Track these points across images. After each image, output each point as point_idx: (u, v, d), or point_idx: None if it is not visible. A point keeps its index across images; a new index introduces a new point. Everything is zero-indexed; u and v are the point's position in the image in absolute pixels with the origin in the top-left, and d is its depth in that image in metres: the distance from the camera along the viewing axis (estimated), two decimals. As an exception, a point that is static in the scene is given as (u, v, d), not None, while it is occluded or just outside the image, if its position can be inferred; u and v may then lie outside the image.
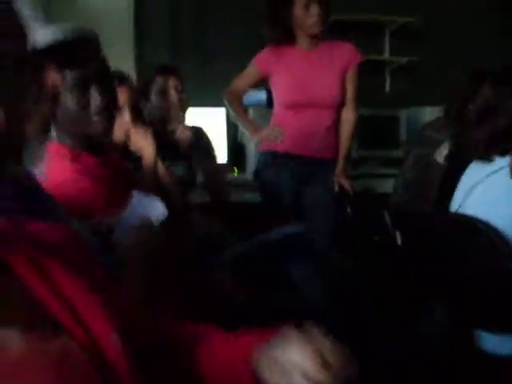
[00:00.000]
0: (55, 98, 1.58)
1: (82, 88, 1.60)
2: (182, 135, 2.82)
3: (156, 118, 2.82)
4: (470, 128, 2.02)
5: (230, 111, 3.41)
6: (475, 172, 2.02)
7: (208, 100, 3.98)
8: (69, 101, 1.60)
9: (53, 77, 1.55)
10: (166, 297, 1.43)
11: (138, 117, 2.44)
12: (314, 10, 3.14)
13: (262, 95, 4.32)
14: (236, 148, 4.45)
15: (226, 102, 3.37)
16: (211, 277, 1.87)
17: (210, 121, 4.09)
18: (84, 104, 1.61)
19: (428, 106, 4.57)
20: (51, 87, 1.56)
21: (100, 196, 1.60)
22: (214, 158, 3.33)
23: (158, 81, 2.87)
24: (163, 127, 2.83)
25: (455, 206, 2.07)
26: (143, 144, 2.30)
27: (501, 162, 1.92)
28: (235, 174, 4.35)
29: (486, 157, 1.95)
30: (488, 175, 1.94)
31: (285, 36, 3.21)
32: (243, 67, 3.37)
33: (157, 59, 4.35)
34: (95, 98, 1.60)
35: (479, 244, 1.85)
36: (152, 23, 4.54)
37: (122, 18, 4.35)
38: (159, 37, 4.56)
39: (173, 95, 2.83)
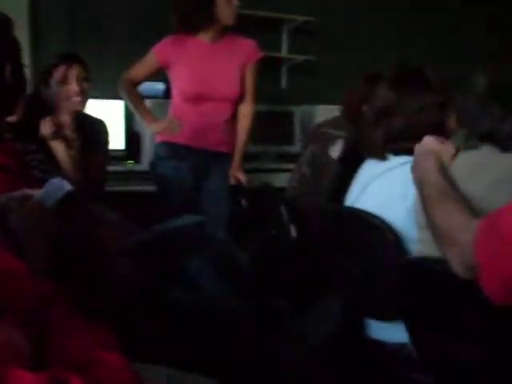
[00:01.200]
0: None
1: None
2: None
3: (53, 106, 2.76)
4: (366, 127, 2.09)
5: (127, 100, 3.37)
6: (370, 169, 2.10)
7: (105, 92, 3.91)
8: None
9: None
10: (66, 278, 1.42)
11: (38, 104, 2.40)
12: (235, 0, 3.17)
13: (159, 86, 4.30)
14: (132, 137, 4.40)
15: (123, 91, 3.31)
16: (112, 264, 1.86)
17: (108, 111, 4.03)
18: None
19: (322, 105, 4.70)
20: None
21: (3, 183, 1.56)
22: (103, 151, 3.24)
23: (60, 68, 2.80)
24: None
25: (350, 201, 2.14)
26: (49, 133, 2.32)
27: (396, 159, 2.00)
28: (131, 164, 4.31)
29: (382, 155, 2.03)
30: (383, 172, 2.02)
31: (196, 23, 3.19)
32: (141, 56, 3.33)
33: (53, 48, 4.24)
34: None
35: (372, 237, 1.93)
36: (48, 11, 4.39)
37: (16, 4, 4.18)
38: (56, 26, 4.42)
39: (73, 84, 2.77)
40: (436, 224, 1.46)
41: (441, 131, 1.93)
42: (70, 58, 2.87)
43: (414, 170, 1.67)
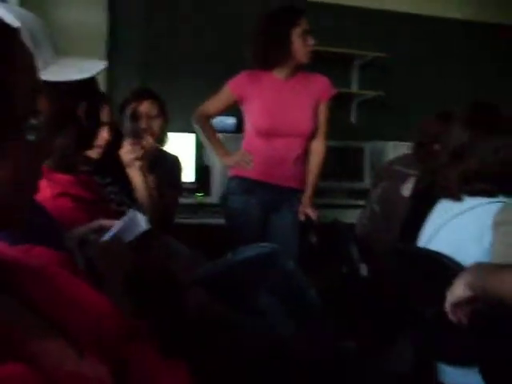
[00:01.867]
0: None
1: None
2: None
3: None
4: (440, 167, 2.06)
5: (200, 134, 3.42)
6: (444, 210, 2.07)
7: (178, 125, 4.00)
8: None
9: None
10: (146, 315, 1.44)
11: (118, 135, 2.46)
12: (310, 39, 3.20)
13: (230, 120, 4.37)
14: (202, 170, 4.47)
15: (196, 125, 3.36)
16: (186, 296, 1.88)
17: (179, 144, 4.12)
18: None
19: (392, 141, 4.68)
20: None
21: (77, 212, 1.61)
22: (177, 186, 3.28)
23: (131, 105, 2.86)
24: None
25: (423, 242, 2.11)
26: (130, 159, 2.36)
27: (470, 201, 1.97)
28: (200, 196, 4.37)
29: (457, 196, 2.00)
30: (457, 214, 1.98)
31: (272, 60, 3.22)
32: (212, 91, 3.38)
33: (127, 79, 4.37)
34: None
35: (445, 280, 1.89)
36: (124, 41, 4.55)
37: (95, 34, 4.34)
38: (129, 62, 4.57)
39: (142, 121, 2.83)
40: None
41: None
42: (140, 94, 2.93)
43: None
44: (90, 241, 1.47)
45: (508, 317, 1.50)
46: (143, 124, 2.87)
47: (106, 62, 1.54)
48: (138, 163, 2.38)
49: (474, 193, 1.95)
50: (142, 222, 1.54)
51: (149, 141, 2.63)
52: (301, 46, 3.18)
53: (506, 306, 1.40)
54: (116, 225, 1.51)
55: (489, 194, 1.93)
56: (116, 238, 1.47)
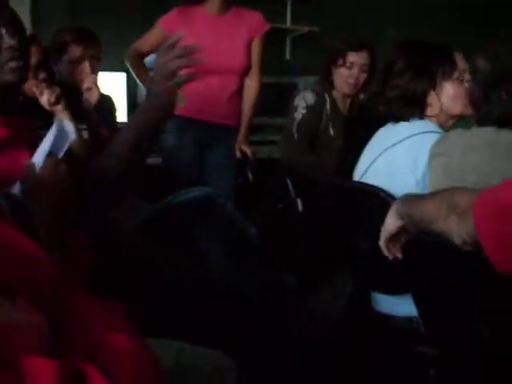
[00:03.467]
0: None
1: None
2: (91, 97, 2.73)
3: (66, 81, 2.74)
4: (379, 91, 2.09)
5: (133, 72, 3.35)
6: (380, 141, 2.09)
7: (108, 64, 3.88)
8: None
9: None
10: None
11: (51, 76, 2.39)
12: None
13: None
14: (136, 110, 4.38)
15: (128, 63, 3.30)
16: (121, 239, 1.86)
17: (110, 84, 4.00)
18: None
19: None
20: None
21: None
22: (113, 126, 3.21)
23: (76, 49, 2.76)
24: (73, 91, 2.74)
25: (359, 173, 2.13)
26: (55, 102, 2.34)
27: (403, 132, 1.99)
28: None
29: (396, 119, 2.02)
30: (393, 144, 2.01)
31: None
32: (145, 30, 3.31)
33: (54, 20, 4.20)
34: (7, 41, 1.51)
35: (380, 212, 1.92)
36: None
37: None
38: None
39: (86, 66, 2.74)
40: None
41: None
42: (87, 37, 2.82)
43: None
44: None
45: (435, 244, 1.53)
46: (87, 67, 2.77)
47: None
48: (59, 107, 2.34)
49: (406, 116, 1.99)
50: (70, 129, 1.48)
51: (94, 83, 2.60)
52: None
53: (430, 233, 1.43)
54: (46, 139, 1.43)
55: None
56: (48, 161, 1.40)
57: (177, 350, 1.48)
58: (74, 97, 2.67)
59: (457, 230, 1.25)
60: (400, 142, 2.00)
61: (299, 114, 3.10)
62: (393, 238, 1.57)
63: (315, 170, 3.03)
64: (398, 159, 1.99)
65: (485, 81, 1.69)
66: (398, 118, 2.06)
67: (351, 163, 2.28)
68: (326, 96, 3.20)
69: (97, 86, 2.72)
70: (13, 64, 1.54)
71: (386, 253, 1.57)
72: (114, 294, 1.09)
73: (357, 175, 2.15)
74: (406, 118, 2.04)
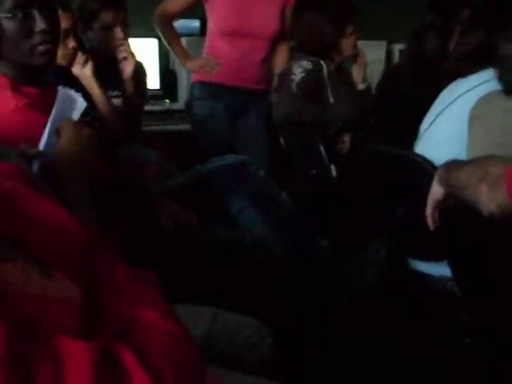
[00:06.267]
0: None
1: (24, 12, 1.51)
2: (127, 67, 2.73)
3: (98, 49, 2.73)
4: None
5: (162, 36, 3.28)
6: (444, 95, 2.00)
7: (139, 30, 3.84)
8: (11, 26, 1.52)
9: None
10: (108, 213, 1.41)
11: (79, 44, 2.39)
12: None
13: (194, 23, 4.23)
14: (168, 76, 4.37)
15: (157, 26, 3.21)
16: (154, 203, 1.86)
17: (142, 50, 3.98)
18: (27, 30, 1.53)
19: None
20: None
21: (44, 126, 1.55)
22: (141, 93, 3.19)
23: (107, 15, 2.73)
24: (104, 58, 2.74)
25: (423, 128, 2.05)
26: (84, 70, 2.35)
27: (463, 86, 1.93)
28: (167, 103, 4.30)
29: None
30: (453, 100, 1.92)
31: None
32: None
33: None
34: (39, 24, 1.52)
35: (418, 179, 1.89)
36: None
37: None
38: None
39: (118, 31, 2.72)
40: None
41: None
42: (116, 3, 2.80)
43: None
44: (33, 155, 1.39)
45: (473, 213, 1.51)
46: (120, 33, 2.75)
47: None
48: (87, 71, 2.35)
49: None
50: (76, 98, 1.47)
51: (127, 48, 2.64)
52: None
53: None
54: (53, 110, 1.43)
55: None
56: (66, 123, 1.39)
57: (212, 316, 1.49)
58: (106, 64, 2.66)
59: (486, 198, 1.21)
60: (457, 98, 1.91)
61: (298, 76, 3.02)
62: (439, 206, 1.52)
63: (324, 115, 2.98)
64: (453, 120, 1.91)
65: None
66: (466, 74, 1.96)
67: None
68: (322, 63, 3.10)
69: (132, 54, 2.71)
70: (43, 48, 1.55)
71: (430, 222, 1.52)
72: (148, 261, 1.09)
73: (423, 127, 2.06)
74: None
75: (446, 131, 1.88)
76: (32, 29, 1.52)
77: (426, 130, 2.02)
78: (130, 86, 2.72)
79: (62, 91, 1.46)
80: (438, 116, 1.96)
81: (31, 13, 1.51)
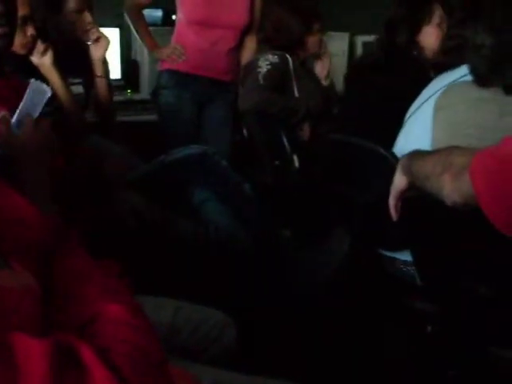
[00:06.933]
0: None
1: None
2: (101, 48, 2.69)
3: (67, 35, 2.68)
4: None
5: (132, 24, 3.30)
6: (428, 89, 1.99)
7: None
8: None
9: None
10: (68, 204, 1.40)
11: (39, 32, 2.34)
12: None
13: (157, 13, 4.19)
14: (130, 66, 4.32)
15: (128, 15, 3.27)
16: (117, 195, 1.85)
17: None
18: None
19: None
20: None
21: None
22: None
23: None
24: (73, 42, 2.70)
25: (408, 114, 2.05)
26: (44, 59, 2.30)
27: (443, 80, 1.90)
28: (129, 93, 4.25)
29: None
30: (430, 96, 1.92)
31: None
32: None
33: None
34: None
35: (380, 168, 1.90)
36: None
37: None
38: None
39: (87, 15, 2.67)
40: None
41: None
42: None
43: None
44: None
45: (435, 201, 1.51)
46: (88, 16, 2.70)
47: None
48: (47, 60, 2.30)
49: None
50: (45, 90, 1.45)
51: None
52: None
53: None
54: (22, 102, 1.40)
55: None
56: (27, 119, 1.37)
57: (175, 308, 1.48)
58: (73, 50, 2.63)
59: (449, 189, 1.21)
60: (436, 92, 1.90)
61: (264, 68, 3.01)
62: (402, 196, 1.52)
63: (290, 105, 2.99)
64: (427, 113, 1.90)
65: None
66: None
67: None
68: (288, 56, 3.10)
69: (104, 36, 2.68)
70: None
71: (393, 212, 1.52)
72: (111, 252, 1.07)
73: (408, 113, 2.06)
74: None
75: (424, 121, 1.86)
76: None
77: (406, 120, 2.02)
78: (101, 68, 2.69)
79: (35, 84, 1.43)
80: (418, 108, 1.96)
81: None
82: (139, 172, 2.24)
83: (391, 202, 1.48)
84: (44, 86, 1.45)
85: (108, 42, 2.67)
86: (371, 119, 2.25)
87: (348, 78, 2.85)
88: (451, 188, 1.20)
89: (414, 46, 2.46)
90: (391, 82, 2.34)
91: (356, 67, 2.95)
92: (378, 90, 2.36)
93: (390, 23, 2.49)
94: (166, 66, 3.25)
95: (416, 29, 2.46)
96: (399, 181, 1.44)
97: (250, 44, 3.31)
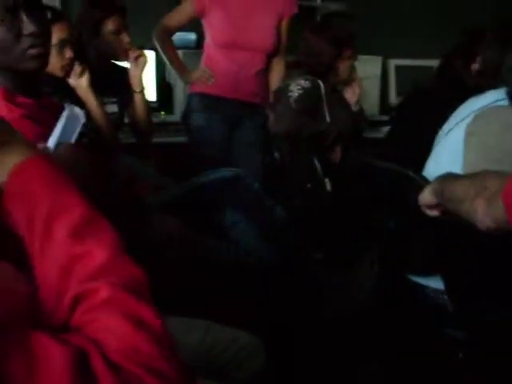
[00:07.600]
0: None
1: (11, 15, 1.46)
2: (140, 64, 2.75)
3: (106, 56, 2.74)
4: None
5: (161, 49, 3.33)
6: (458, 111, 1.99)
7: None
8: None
9: None
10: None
11: (76, 54, 2.39)
12: None
13: (191, 36, 4.24)
14: (164, 88, 4.37)
15: (156, 40, 3.27)
16: (151, 217, 1.86)
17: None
18: (16, 34, 1.48)
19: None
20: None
21: (40, 136, 1.54)
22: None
23: (113, 21, 2.73)
24: (110, 64, 2.76)
25: (439, 137, 2.05)
26: (81, 81, 2.37)
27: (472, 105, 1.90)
28: (163, 115, 4.29)
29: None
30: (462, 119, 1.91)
31: None
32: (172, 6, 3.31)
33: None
34: (28, 27, 1.48)
35: (410, 193, 1.89)
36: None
37: None
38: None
39: (125, 36, 2.73)
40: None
41: None
42: (120, 9, 2.81)
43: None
44: None
45: (465, 226, 1.50)
46: (126, 37, 2.75)
47: None
48: (84, 82, 2.35)
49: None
50: (79, 115, 1.47)
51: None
52: None
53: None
54: (57, 126, 1.42)
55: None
56: (62, 145, 1.39)
57: (205, 329, 1.48)
58: (110, 70, 2.68)
59: (482, 213, 1.20)
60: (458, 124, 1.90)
61: (295, 93, 3.01)
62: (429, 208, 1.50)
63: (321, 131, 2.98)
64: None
65: None
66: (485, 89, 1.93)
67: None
68: (320, 82, 3.10)
69: (144, 54, 2.73)
70: (34, 51, 1.51)
71: (429, 212, 1.49)
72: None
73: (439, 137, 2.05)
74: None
75: (455, 144, 1.84)
76: (21, 32, 1.49)
77: (436, 144, 2.01)
78: (140, 84, 2.76)
79: (68, 109, 1.46)
80: (448, 132, 1.94)
81: (19, 16, 1.47)
82: (171, 194, 2.26)
83: (425, 210, 1.47)
84: (78, 110, 1.47)
85: (146, 60, 2.73)
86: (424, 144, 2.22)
87: (404, 104, 2.87)
88: (484, 212, 1.19)
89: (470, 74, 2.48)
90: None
91: (416, 94, 2.96)
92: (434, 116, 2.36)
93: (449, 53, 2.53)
94: (196, 89, 3.29)
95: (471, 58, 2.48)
96: (426, 197, 1.44)
97: (278, 67, 3.33)
